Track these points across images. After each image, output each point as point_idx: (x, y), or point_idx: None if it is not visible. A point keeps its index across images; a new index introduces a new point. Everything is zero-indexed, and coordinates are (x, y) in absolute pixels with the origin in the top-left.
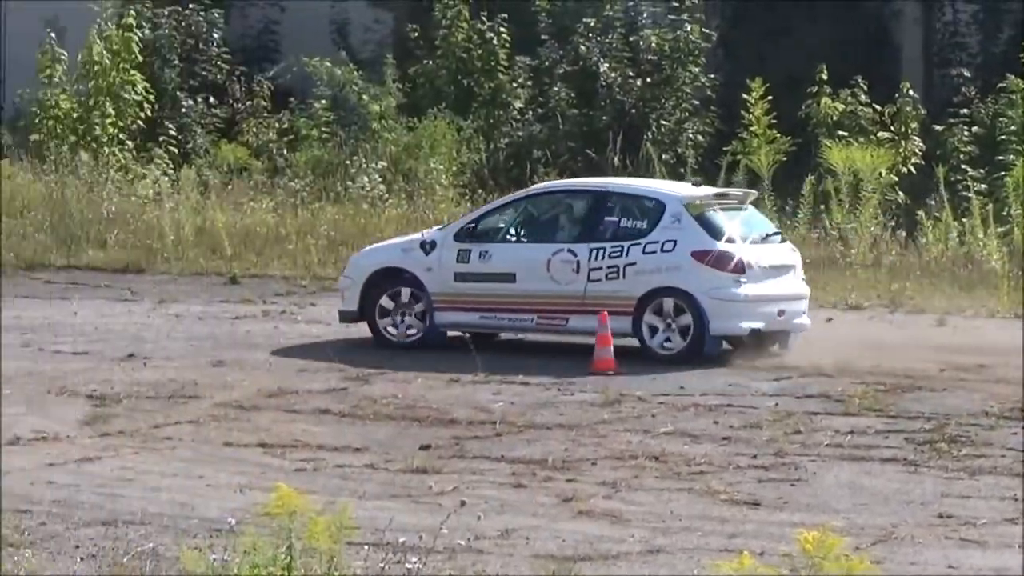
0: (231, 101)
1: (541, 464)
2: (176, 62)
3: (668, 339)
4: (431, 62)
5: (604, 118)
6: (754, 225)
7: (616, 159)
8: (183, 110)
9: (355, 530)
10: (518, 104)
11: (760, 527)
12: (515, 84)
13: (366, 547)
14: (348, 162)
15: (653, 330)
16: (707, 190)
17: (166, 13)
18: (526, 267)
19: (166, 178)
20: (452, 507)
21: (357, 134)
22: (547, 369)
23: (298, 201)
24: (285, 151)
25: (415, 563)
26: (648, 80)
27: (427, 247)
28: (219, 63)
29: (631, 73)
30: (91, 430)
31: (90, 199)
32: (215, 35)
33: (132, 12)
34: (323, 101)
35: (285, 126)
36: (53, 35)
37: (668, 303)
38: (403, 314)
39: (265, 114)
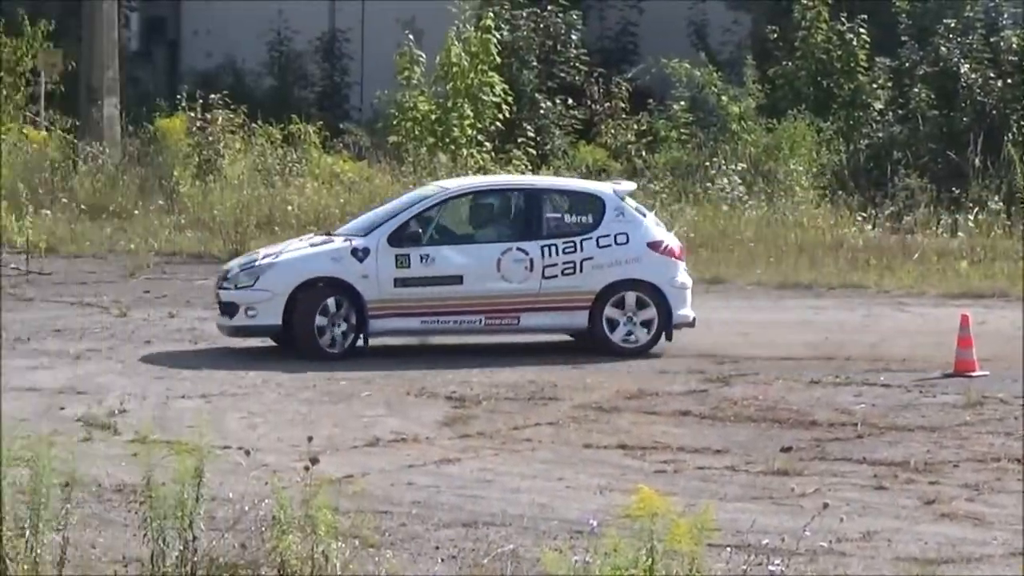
0: (589, 102)
1: (903, 466)
2: (534, 63)
3: (630, 332)
4: (790, 63)
5: (965, 119)
6: None
7: (977, 160)
8: (541, 111)
9: (716, 532)
10: (878, 105)
11: None
12: (875, 85)
13: (728, 549)
14: (708, 163)
15: (612, 324)
16: (629, 184)
17: (524, 15)
18: (474, 268)
19: None
20: (814, 509)
21: (716, 135)
22: (908, 370)
23: (657, 203)
24: (644, 152)
25: (778, 565)
26: (1009, 81)
27: (359, 254)
28: (577, 64)
29: (992, 74)
30: (450, 431)
31: None
32: (573, 36)
33: (490, 14)
34: (682, 103)
35: (644, 127)
36: (411, 37)
37: (631, 296)
38: (334, 324)
39: (623, 115)
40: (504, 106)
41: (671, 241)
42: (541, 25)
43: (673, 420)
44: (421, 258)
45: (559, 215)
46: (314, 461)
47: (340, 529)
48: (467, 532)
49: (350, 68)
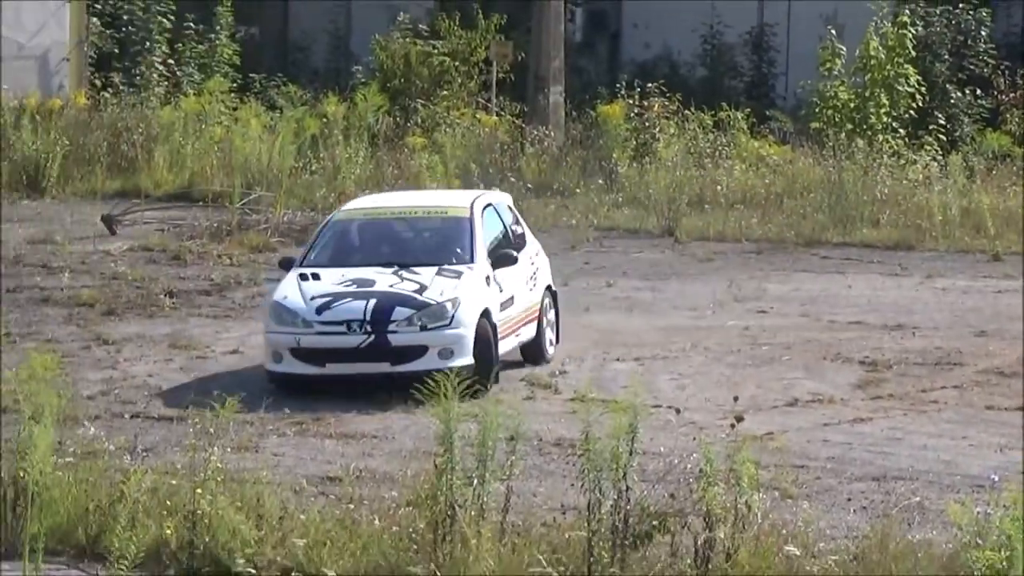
0: (996, 93)
1: None
2: (946, 57)
3: (549, 336)
4: None
5: None
6: None
7: None
8: (951, 101)
9: None
10: None
11: None
12: None
13: None
14: None
15: (542, 331)
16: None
17: (938, 12)
18: (517, 287)
19: (935, 163)
20: None
21: None
22: None
23: None
24: None
25: None
26: None
27: (489, 280)
28: (985, 58)
29: None
30: (863, 393)
31: (864, 182)
32: (983, 32)
33: (907, 11)
34: None
35: None
36: (833, 31)
37: (547, 300)
38: None
39: None
40: (917, 96)
41: None
42: (953, 21)
43: None
44: (503, 280)
45: (518, 228)
46: (739, 419)
47: (761, 481)
48: (877, 485)
49: (776, 60)
